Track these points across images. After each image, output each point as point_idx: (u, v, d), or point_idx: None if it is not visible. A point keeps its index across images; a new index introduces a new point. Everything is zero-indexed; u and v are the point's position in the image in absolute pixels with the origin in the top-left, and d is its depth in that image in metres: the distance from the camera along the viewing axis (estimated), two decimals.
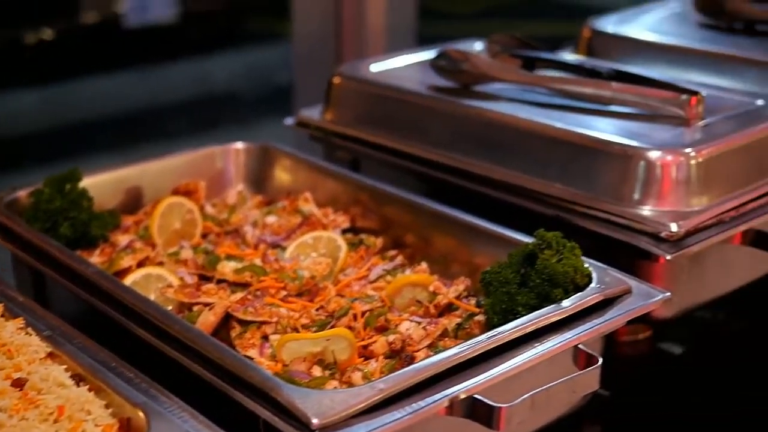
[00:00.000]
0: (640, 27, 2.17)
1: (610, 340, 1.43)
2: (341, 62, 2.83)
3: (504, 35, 1.89)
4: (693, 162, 1.54)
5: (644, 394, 1.71)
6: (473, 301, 1.42)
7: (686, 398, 1.70)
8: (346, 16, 2.77)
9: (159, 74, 5.79)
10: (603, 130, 1.62)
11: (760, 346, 1.83)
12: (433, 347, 1.32)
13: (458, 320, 1.37)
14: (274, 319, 1.34)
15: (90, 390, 1.16)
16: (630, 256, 1.52)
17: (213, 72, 5.78)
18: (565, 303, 1.30)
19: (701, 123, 1.65)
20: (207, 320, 1.34)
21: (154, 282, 1.45)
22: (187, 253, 1.51)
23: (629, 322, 1.38)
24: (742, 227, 1.55)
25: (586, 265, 1.37)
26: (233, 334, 1.34)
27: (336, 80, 1.90)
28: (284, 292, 1.41)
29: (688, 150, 1.55)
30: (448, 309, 1.41)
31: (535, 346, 1.24)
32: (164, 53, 5.82)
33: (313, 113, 1.94)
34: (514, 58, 1.84)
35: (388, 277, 1.48)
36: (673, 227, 1.49)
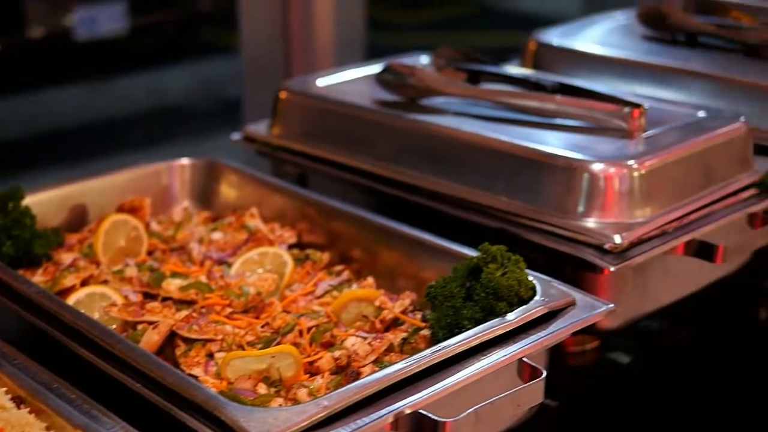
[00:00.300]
0: (585, 39, 2.19)
1: (557, 351, 1.44)
2: (290, 75, 2.83)
3: (449, 49, 1.90)
4: (636, 174, 1.56)
5: (592, 403, 1.72)
6: (419, 315, 1.42)
7: (634, 407, 1.71)
8: (295, 30, 2.77)
9: (110, 87, 5.74)
10: (547, 143, 1.63)
11: (705, 354, 1.85)
12: (379, 362, 1.32)
13: (404, 335, 1.37)
14: (219, 337, 1.33)
15: (31, 412, 1.15)
16: (575, 268, 1.54)
17: (165, 85, 5.75)
18: (510, 316, 1.31)
19: (644, 135, 1.67)
20: (151, 339, 1.33)
21: (98, 301, 1.44)
22: (131, 271, 1.50)
23: (575, 334, 1.39)
24: (685, 238, 1.57)
25: (530, 278, 1.38)
26: (178, 352, 1.33)
27: (283, 95, 1.89)
28: (230, 309, 1.41)
29: (630, 162, 1.56)
30: (395, 323, 1.41)
31: (480, 360, 1.25)
32: (115, 66, 5.78)
33: (260, 128, 1.94)
34: (460, 72, 1.85)
35: (335, 293, 1.48)
36: (617, 239, 1.50)
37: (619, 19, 2.33)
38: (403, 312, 1.42)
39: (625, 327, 1.60)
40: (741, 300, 1.94)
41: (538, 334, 1.30)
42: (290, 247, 1.63)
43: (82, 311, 1.37)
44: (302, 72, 2.81)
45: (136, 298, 1.44)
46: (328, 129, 1.83)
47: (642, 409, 1.71)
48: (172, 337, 1.36)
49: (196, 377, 1.27)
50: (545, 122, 1.72)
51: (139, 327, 1.37)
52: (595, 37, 2.21)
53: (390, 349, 1.35)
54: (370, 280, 1.51)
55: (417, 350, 1.32)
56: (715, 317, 1.90)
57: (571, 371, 1.71)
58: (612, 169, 1.55)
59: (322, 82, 1.94)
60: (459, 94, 1.79)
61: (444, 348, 1.24)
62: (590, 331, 1.57)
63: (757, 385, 1.74)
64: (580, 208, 1.55)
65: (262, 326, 1.38)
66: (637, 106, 1.67)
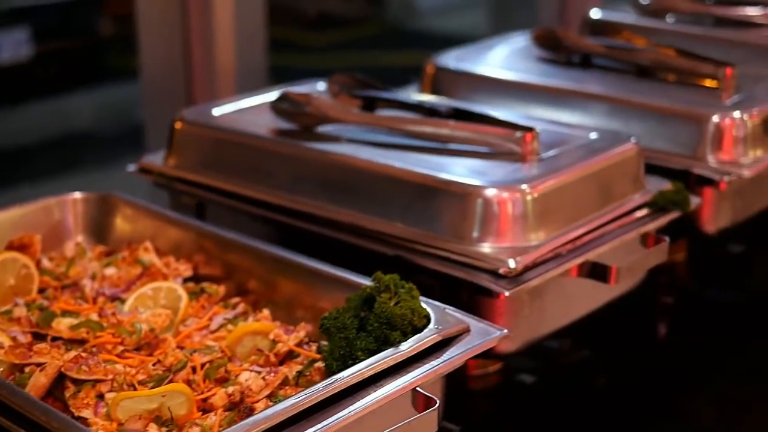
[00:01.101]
0: (482, 62, 2.21)
1: (459, 375, 1.44)
2: (193, 101, 2.80)
3: (344, 75, 1.89)
4: (529, 198, 1.57)
5: (495, 426, 1.73)
6: (315, 347, 1.41)
7: (537, 427, 1.73)
8: (195, 54, 2.74)
9: (15, 115, 5.63)
10: (442, 169, 1.64)
11: (606, 371, 1.88)
12: (274, 397, 1.30)
13: (299, 367, 1.36)
14: (110, 377, 1.30)
15: None
16: (471, 294, 1.54)
17: (72, 111, 5.66)
18: (403, 346, 1.30)
19: (537, 158, 1.69)
20: (38, 382, 1.30)
21: None
22: (20, 311, 1.46)
23: (473, 358, 1.39)
24: (578, 260, 1.58)
25: (424, 306, 1.37)
26: (67, 394, 1.30)
27: (178, 125, 1.87)
28: (121, 348, 1.38)
29: (523, 186, 1.58)
30: (290, 356, 1.39)
31: (374, 392, 1.24)
32: (19, 93, 5.68)
33: (157, 159, 1.92)
34: (355, 99, 1.85)
35: (230, 326, 1.46)
36: (511, 263, 1.51)
37: (516, 41, 2.36)
38: (299, 344, 1.40)
39: (523, 350, 1.61)
40: (640, 316, 1.97)
41: (432, 362, 1.30)
42: (186, 280, 1.61)
43: None
44: (204, 97, 2.78)
45: (24, 339, 1.41)
46: (224, 159, 1.81)
47: (545, 429, 1.73)
48: (62, 379, 1.33)
49: (85, 420, 1.25)
50: (440, 148, 1.73)
51: (27, 369, 1.33)
52: (492, 59, 2.24)
53: (285, 382, 1.33)
54: (266, 312, 1.50)
55: (312, 383, 1.30)
56: (616, 334, 1.92)
57: (474, 395, 1.71)
58: (505, 194, 1.56)
59: (218, 110, 1.93)
60: (354, 121, 1.79)
61: (336, 381, 1.23)
62: (489, 355, 1.58)
63: (658, 400, 1.77)
64: (475, 234, 1.56)
65: (154, 364, 1.35)
66: (530, 129, 1.69)
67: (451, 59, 2.21)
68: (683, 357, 1.90)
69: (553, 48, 2.23)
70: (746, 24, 2.50)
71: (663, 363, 1.89)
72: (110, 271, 1.60)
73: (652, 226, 1.70)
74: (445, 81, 2.17)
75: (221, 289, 1.57)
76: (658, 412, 1.75)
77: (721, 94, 2.01)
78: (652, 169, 1.83)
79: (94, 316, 1.45)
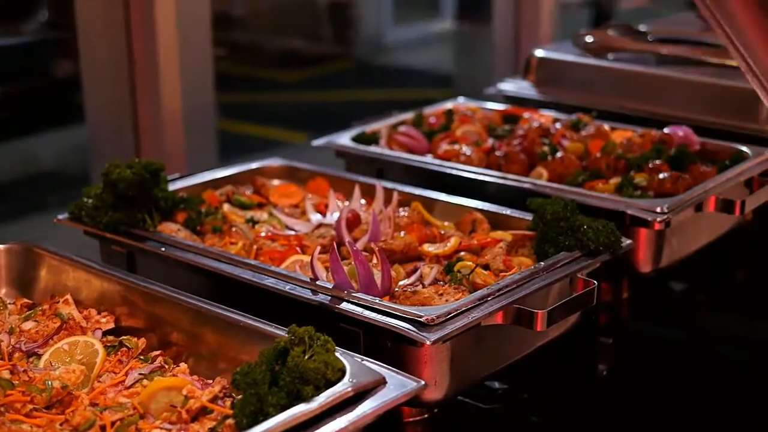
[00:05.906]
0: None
1: (393, 422, 1.39)
2: (139, 148, 2.78)
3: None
4: None
5: None
6: (230, 402, 1.38)
7: None
8: (141, 94, 2.73)
9: None
10: None
11: (542, 413, 1.85)
12: None
13: (212, 424, 1.33)
14: None
15: None
16: (396, 343, 1.51)
17: (39, 151, 5.63)
18: (314, 401, 1.27)
19: None
20: None
21: None
22: None
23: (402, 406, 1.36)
24: (503, 306, 1.55)
25: (340, 359, 1.35)
26: None
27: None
28: (31, 406, 1.35)
29: None
30: (204, 412, 1.36)
31: None
32: None
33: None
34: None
35: (146, 381, 1.43)
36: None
37: None
38: (213, 399, 1.37)
39: (452, 397, 1.58)
40: (579, 356, 1.94)
41: (343, 417, 1.27)
42: (107, 333, 1.58)
43: None
44: (151, 140, 2.77)
45: None
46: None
47: None
48: None
49: None
50: None
51: None
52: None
53: None
54: (183, 366, 1.47)
55: None
56: (554, 375, 1.89)
57: None
58: None
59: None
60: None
61: None
62: (416, 403, 1.55)
63: None
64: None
65: (62, 423, 1.32)
66: None
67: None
68: (623, 395, 1.87)
69: None
70: (687, 62, 2.50)
71: (602, 402, 1.86)
72: (28, 325, 1.57)
73: (581, 270, 1.68)
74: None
75: (141, 342, 1.54)
76: None
77: None
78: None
79: (6, 374, 1.42)
